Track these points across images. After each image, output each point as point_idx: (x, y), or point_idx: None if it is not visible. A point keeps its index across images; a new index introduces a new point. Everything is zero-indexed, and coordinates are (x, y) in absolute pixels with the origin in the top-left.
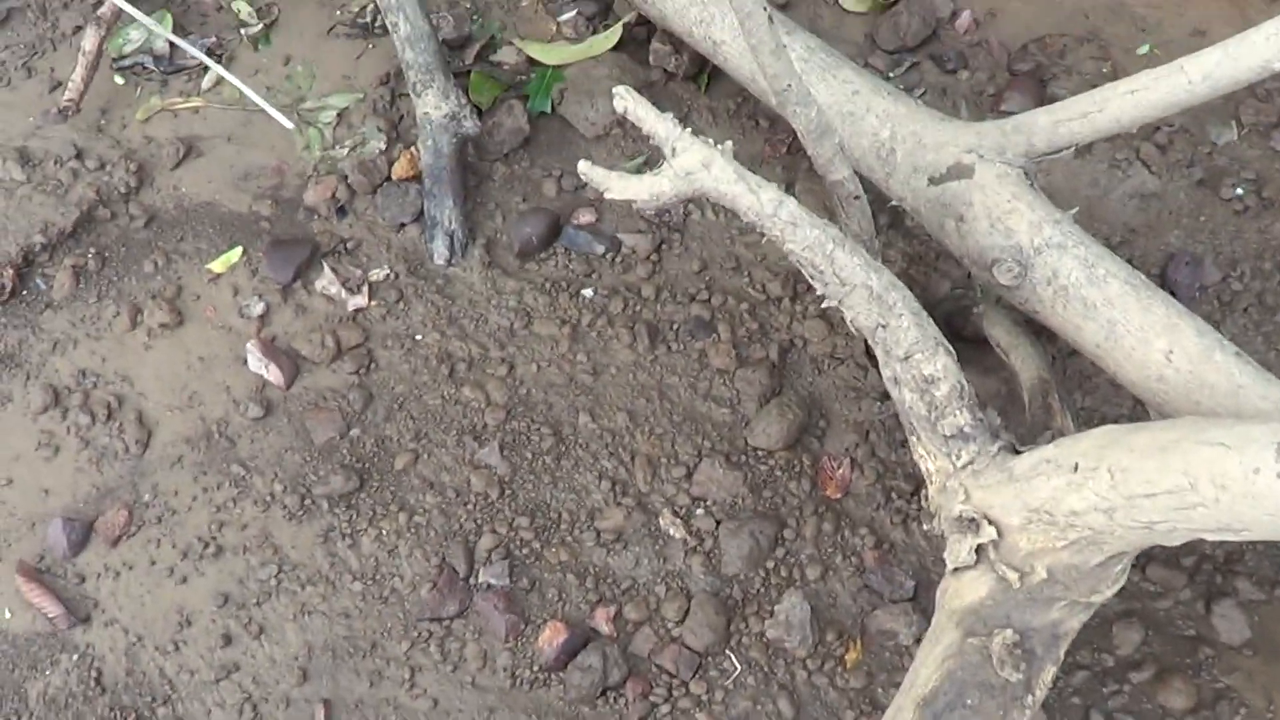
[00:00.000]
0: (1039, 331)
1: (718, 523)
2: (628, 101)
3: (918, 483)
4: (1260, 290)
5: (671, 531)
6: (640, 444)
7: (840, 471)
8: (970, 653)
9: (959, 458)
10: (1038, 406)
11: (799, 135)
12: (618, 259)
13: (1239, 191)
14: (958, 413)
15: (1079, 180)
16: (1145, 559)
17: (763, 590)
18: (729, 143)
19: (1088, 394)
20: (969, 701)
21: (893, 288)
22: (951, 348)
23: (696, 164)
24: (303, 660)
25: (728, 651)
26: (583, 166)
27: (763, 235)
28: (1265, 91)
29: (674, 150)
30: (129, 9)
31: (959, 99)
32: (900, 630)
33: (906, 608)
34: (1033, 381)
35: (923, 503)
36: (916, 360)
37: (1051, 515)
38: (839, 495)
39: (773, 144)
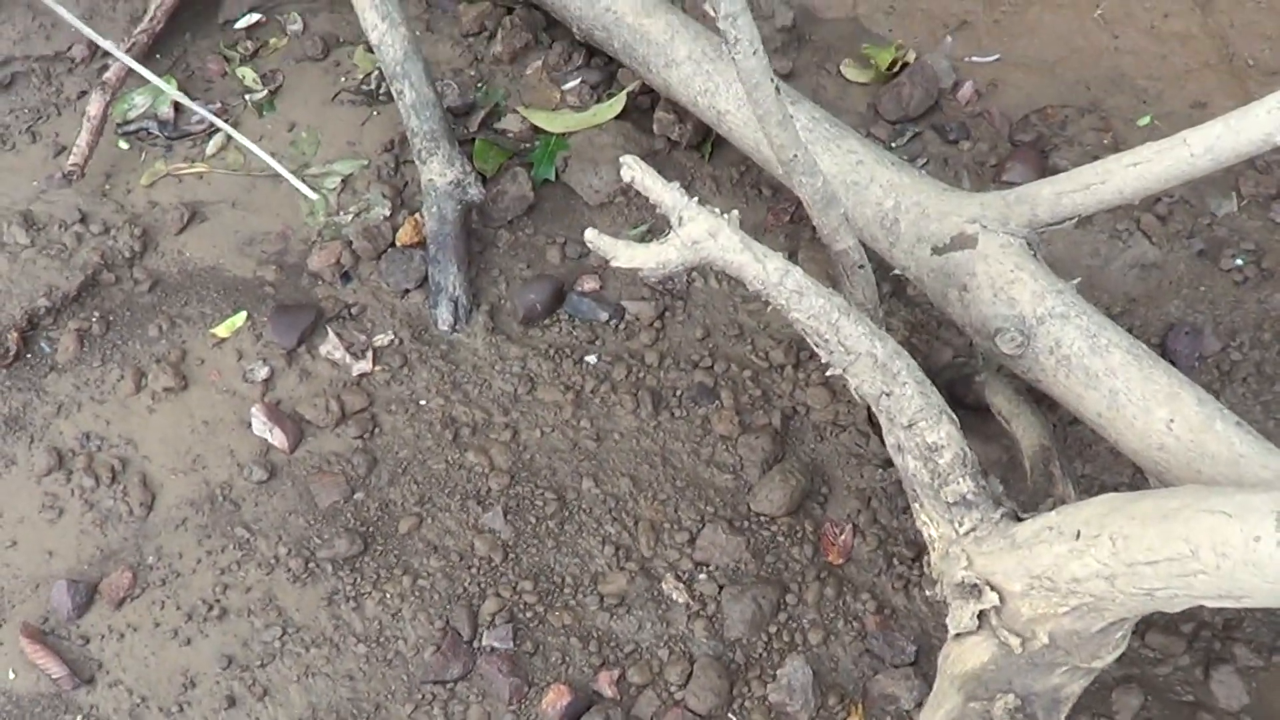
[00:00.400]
0: (1040, 400)
1: (720, 587)
2: (635, 171)
3: (919, 549)
4: (1259, 360)
5: (674, 596)
6: (643, 509)
7: (842, 537)
8: (972, 717)
9: (961, 524)
10: (1039, 474)
11: (804, 204)
12: (621, 326)
13: (1239, 262)
14: (961, 480)
15: (1080, 250)
16: (1145, 625)
17: (765, 654)
18: (735, 212)
19: (1088, 462)
20: None
21: (897, 356)
22: (955, 415)
23: (703, 233)
24: None
25: (730, 715)
26: (589, 235)
27: (767, 303)
28: (1265, 164)
29: (680, 219)
30: (139, 69)
31: (961, 169)
32: (902, 695)
33: (908, 672)
34: (1034, 449)
35: (925, 569)
36: (920, 428)
37: (1053, 582)
38: (841, 561)
39: (776, 213)
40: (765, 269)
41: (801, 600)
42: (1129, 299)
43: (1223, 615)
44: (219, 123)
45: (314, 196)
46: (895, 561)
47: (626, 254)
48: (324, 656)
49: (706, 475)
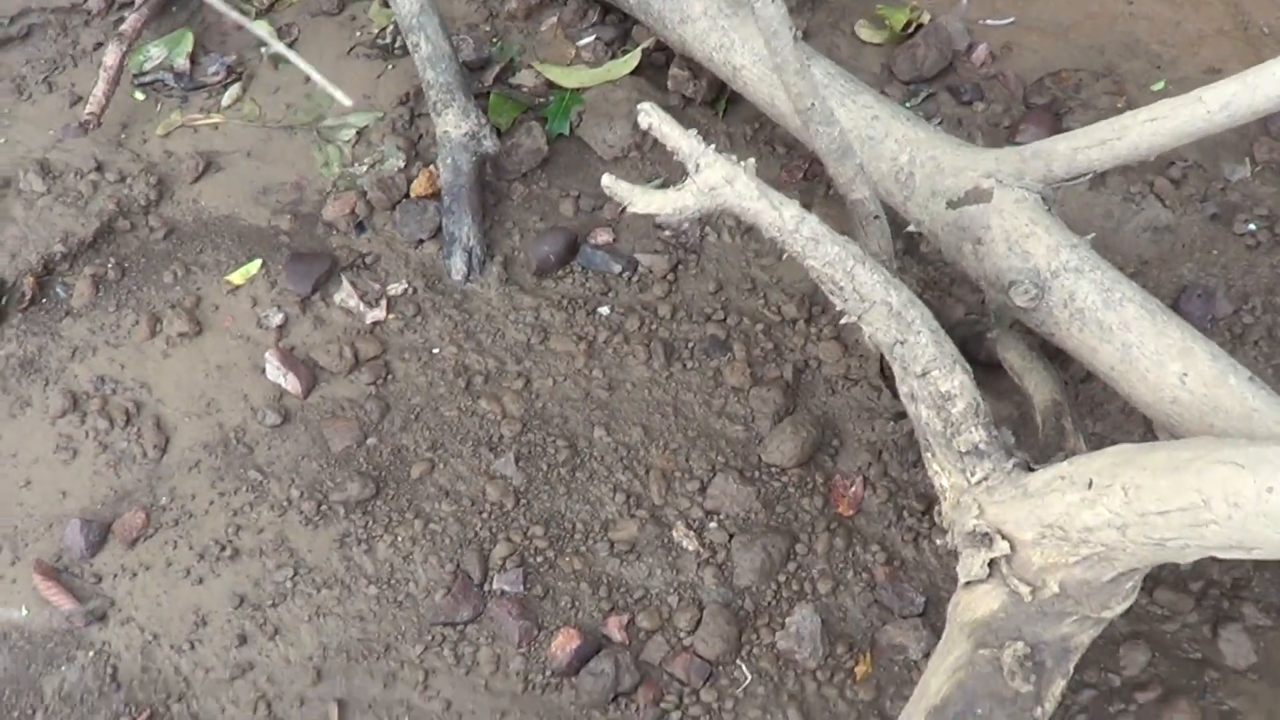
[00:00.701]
0: (1052, 357)
1: (730, 536)
2: (653, 118)
3: (929, 502)
4: (1271, 324)
5: (684, 544)
6: (655, 458)
7: (853, 489)
8: (981, 664)
9: (973, 474)
10: (1050, 428)
11: (820, 155)
12: (634, 278)
13: (1251, 227)
14: (973, 429)
15: (1093, 212)
16: (1153, 583)
17: (774, 603)
18: (751, 160)
19: (1099, 420)
20: (979, 711)
21: (911, 305)
22: (968, 365)
23: (720, 180)
24: (317, 661)
25: (739, 661)
26: (607, 180)
27: (780, 257)
28: (1279, 130)
29: (697, 166)
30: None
31: (974, 130)
32: (910, 645)
33: (916, 623)
34: (1046, 404)
35: (935, 519)
36: (933, 377)
37: (1065, 531)
38: (851, 512)
39: (789, 169)
40: (781, 216)
41: (811, 550)
42: (1141, 261)
43: (1231, 574)
44: (271, 40)
45: (347, 102)
46: (905, 514)
47: (643, 200)
48: (335, 597)
49: (718, 426)
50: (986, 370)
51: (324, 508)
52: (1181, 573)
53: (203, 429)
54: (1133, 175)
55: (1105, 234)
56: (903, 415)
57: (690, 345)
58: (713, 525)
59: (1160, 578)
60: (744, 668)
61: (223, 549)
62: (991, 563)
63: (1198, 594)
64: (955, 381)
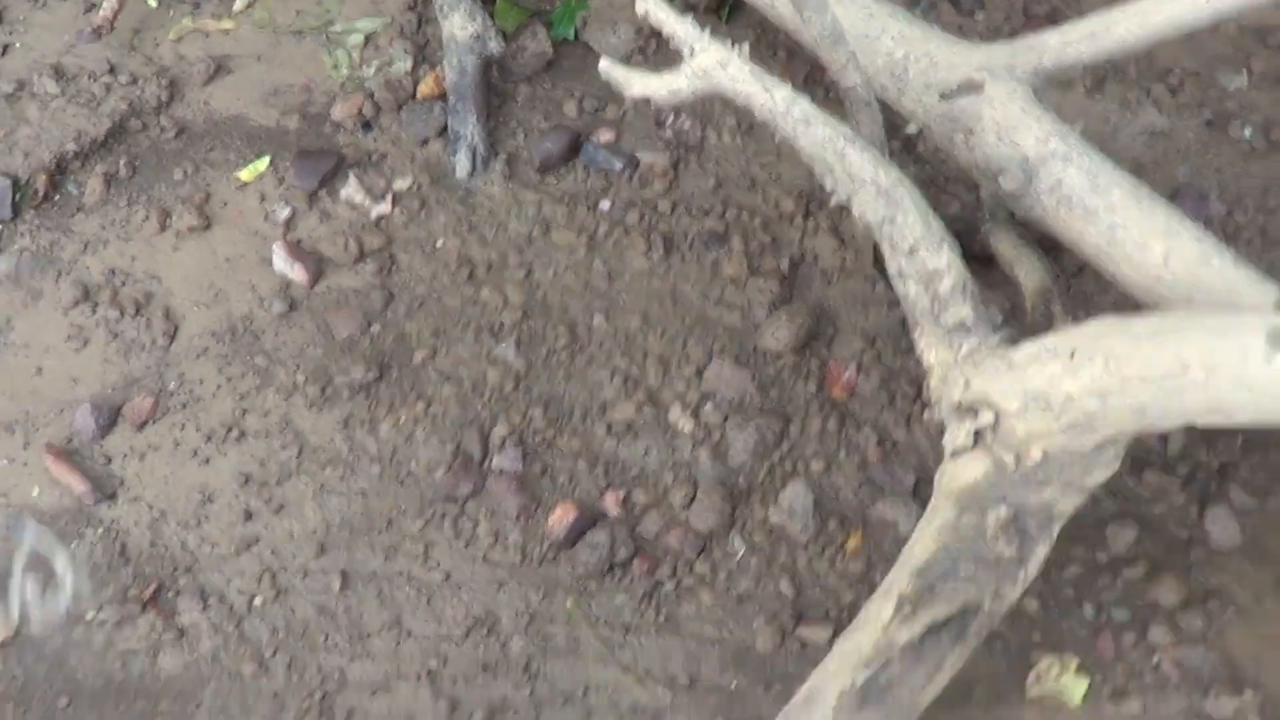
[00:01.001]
0: (1046, 251)
1: (725, 417)
2: (649, 4)
3: (921, 386)
4: (1263, 224)
5: (680, 424)
6: (652, 344)
7: (846, 375)
8: (965, 528)
9: (960, 349)
10: (1040, 313)
11: (812, 44)
12: (635, 175)
13: (1247, 133)
14: (960, 305)
15: (1090, 117)
16: (1141, 465)
17: (768, 480)
18: (745, 44)
19: (1090, 314)
20: (963, 572)
21: (900, 184)
22: (956, 242)
23: (714, 63)
24: (320, 535)
25: (732, 535)
26: (604, 64)
27: (780, 150)
28: (1278, 42)
29: (692, 51)
30: None
31: (974, 39)
32: (900, 520)
33: (906, 499)
34: (1035, 290)
35: (924, 396)
36: (921, 255)
37: (1048, 400)
38: (845, 396)
39: (788, 73)
40: (773, 98)
41: (804, 432)
42: (1137, 164)
43: (1219, 458)
44: None
45: None
46: (897, 398)
47: (640, 82)
48: (338, 475)
49: (715, 314)
50: (980, 264)
51: (328, 391)
52: (1169, 456)
53: (211, 318)
54: (1130, 83)
55: (1102, 139)
56: (896, 304)
57: (689, 238)
58: (708, 407)
59: (1148, 460)
60: (737, 540)
61: (229, 431)
62: (977, 433)
63: (1185, 477)
64: (943, 259)
